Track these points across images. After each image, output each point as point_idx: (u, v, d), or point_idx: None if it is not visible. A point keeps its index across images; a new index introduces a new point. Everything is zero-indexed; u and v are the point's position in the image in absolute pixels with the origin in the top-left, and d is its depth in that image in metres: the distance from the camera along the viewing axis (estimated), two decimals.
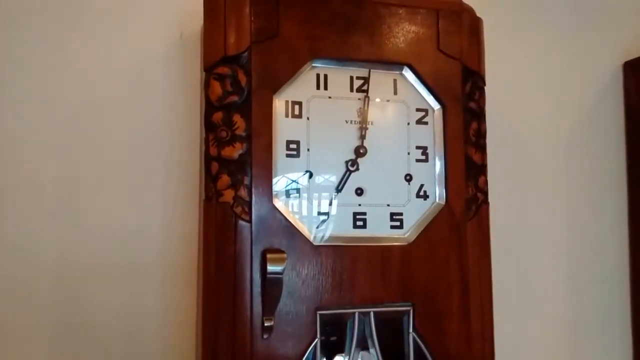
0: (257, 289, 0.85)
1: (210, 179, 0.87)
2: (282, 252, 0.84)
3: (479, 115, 1.00)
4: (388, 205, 0.95)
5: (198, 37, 1.09)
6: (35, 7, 1.04)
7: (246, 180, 0.86)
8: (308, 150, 0.91)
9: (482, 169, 0.99)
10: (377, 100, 0.96)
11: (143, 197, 1.07)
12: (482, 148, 0.99)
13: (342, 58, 0.93)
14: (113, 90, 1.07)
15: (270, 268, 0.82)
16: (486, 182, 1.00)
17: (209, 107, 0.88)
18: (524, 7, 1.36)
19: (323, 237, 0.90)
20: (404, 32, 0.96)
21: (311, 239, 0.89)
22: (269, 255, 0.83)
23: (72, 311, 1.01)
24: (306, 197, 0.91)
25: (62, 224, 1.02)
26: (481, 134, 1.00)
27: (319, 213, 0.91)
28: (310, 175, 0.91)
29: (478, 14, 1.03)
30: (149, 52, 1.09)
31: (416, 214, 0.96)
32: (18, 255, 1.00)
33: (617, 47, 1.42)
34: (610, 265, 1.36)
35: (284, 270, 0.83)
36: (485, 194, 1.00)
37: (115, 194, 1.05)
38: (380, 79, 0.96)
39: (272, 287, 0.83)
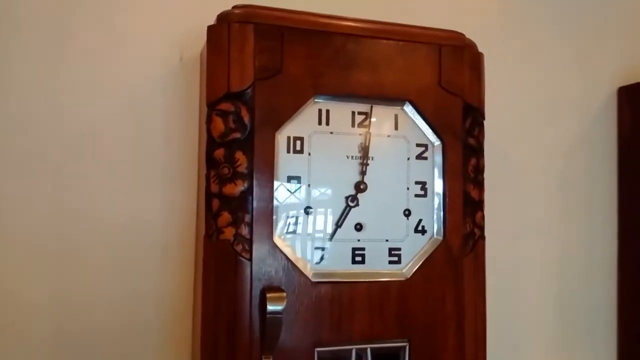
0: (256, 326, 0.85)
1: (211, 215, 0.86)
2: (281, 290, 0.85)
3: (478, 150, 1.01)
4: (387, 240, 0.96)
5: (197, 60, 1.08)
6: (35, 26, 1.03)
7: (247, 218, 0.86)
8: (309, 185, 0.92)
9: (479, 204, 1.00)
10: (378, 135, 0.96)
11: (141, 214, 1.08)
12: (480, 184, 1.00)
13: (344, 94, 0.93)
14: (112, 108, 1.07)
15: (270, 307, 0.83)
16: (483, 217, 1.01)
17: (211, 142, 0.87)
18: (519, 30, 1.36)
19: (322, 273, 0.91)
20: (406, 67, 0.96)
21: (310, 275, 0.89)
22: (268, 295, 0.83)
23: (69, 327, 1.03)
24: (306, 234, 0.91)
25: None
26: (479, 170, 1.01)
27: (318, 249, 0.92)
28: (310, 211, 0.91)
29: (475, 40, 1.02)
30: (148, 73, 1.09)
31: (414, 249, 0.96)
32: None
33: (614, 71, 1.43)
34: (600, 297, 1.39)
35: (283, 309, 0.83)
36: (482, 229, 1.01)
37: (115, 204, 1.07)
38: (382, 114, 0.96)
39: (271, 326, 0.83)
